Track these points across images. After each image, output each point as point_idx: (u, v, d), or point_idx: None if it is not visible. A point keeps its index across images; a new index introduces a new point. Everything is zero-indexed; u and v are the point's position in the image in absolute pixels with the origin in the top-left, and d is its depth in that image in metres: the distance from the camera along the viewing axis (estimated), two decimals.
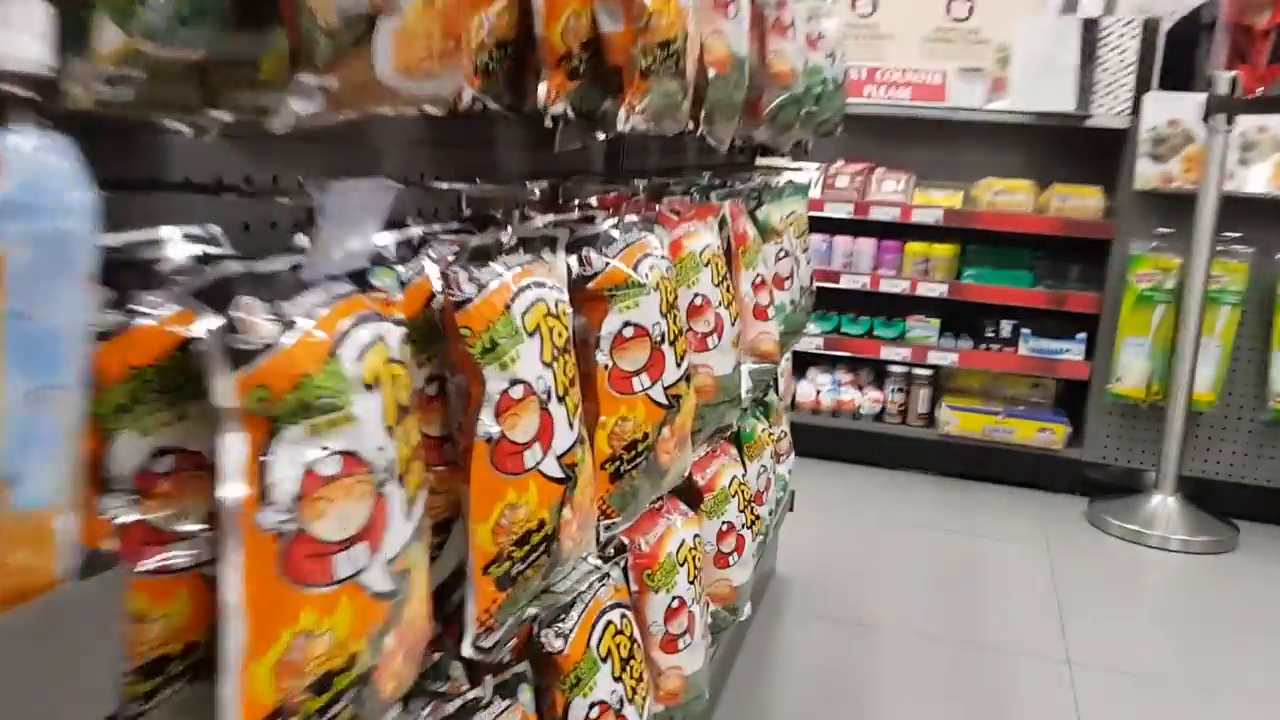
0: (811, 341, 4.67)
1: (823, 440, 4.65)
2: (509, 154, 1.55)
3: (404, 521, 0.83)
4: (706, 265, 1.66)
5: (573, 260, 1.24)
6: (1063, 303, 4.43)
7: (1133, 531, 4.01)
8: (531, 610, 1.07)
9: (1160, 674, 2.96)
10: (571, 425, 1.08)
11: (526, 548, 1.01)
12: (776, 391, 2.87)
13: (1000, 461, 4.50)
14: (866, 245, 4.67)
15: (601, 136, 1.40)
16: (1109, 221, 4.35)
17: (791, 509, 3.32)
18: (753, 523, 2.10)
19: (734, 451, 2.14)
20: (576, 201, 1.62)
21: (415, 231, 1.07)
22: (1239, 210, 4.05)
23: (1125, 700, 2.81)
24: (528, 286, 1.06)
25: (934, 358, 4.59)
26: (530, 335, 1.02)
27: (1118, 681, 2.90)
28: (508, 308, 1.00)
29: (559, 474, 1.05)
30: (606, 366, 1.26)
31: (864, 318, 4.72)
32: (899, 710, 2.67)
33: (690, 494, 1.93)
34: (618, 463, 1.27)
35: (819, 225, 4.68)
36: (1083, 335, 4.44)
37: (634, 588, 1.57)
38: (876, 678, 2.82)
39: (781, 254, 2.37)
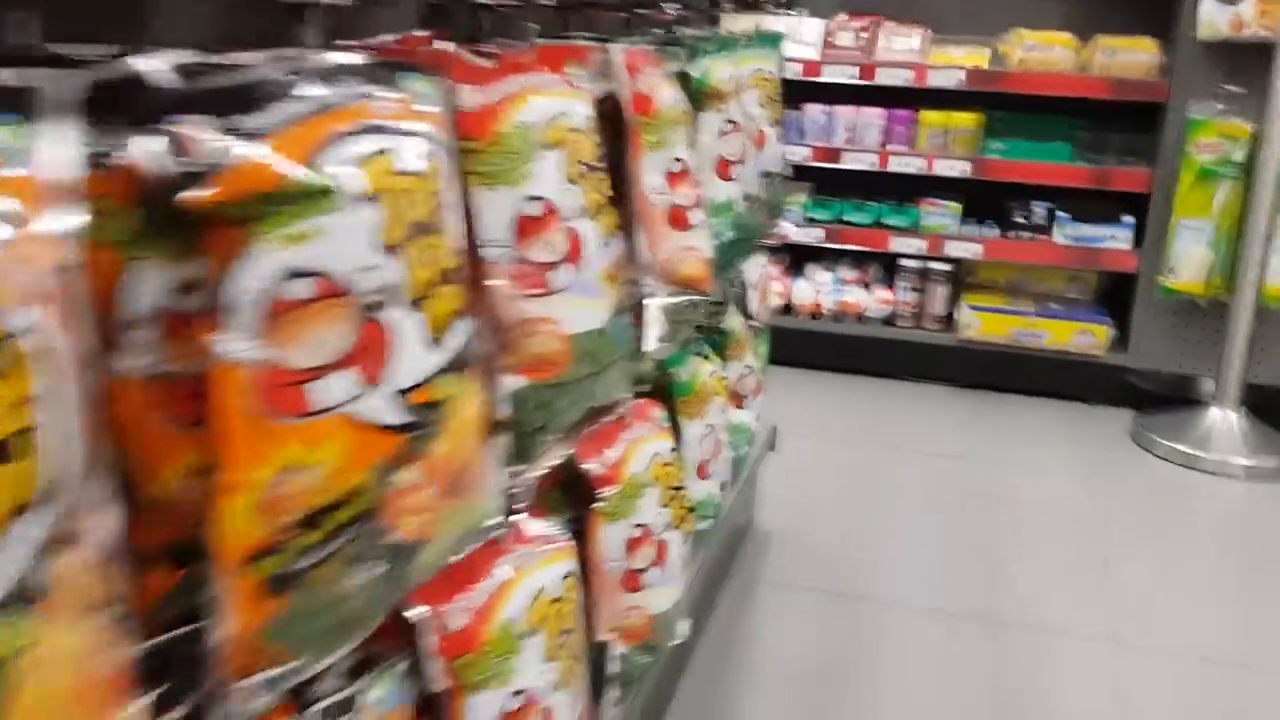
0: (810, 233, 3.97)
1: (824, 348, 4.00)
2: None
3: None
4: (553, 148, 0.99)
5: (153, 145, 0.59)
6: (1107, 180, 3.71)
7: (1185, 454, 3.37)
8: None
9: (1223, 649, 2.35)
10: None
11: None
12: (745, 311, 2.22)
13: (1031, 370, 3.84)
14: (874, 116, 3.93)
15: None
16: (1164, 80, 3.59)
17: (773, 448, 2.69)
18: (682, 520, 1.47)
19: (657, 416, 1.50)
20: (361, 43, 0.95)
21: None
22: None
23: (1180, 684, 2.21)
24: None
25: (953, 249, 3.89)
26: None
27: (1169, 662, 2.29)
28: None
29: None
30: (242, 365, 0.62)
31: (871, 204, 4.01)
32: (900, 709, 2.09)
33: (580, 493, 1.31)
34: (279, 558, 0.64)
35: (817, 93, 3.94)
36: (1131, 219, 3.72)
37: (445, 681, 0.96)
38: (873, 665, 2.23)
39: (728, 127, 1.68)
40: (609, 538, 1.32)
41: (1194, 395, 3.65)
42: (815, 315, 4.04)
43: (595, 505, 1.28)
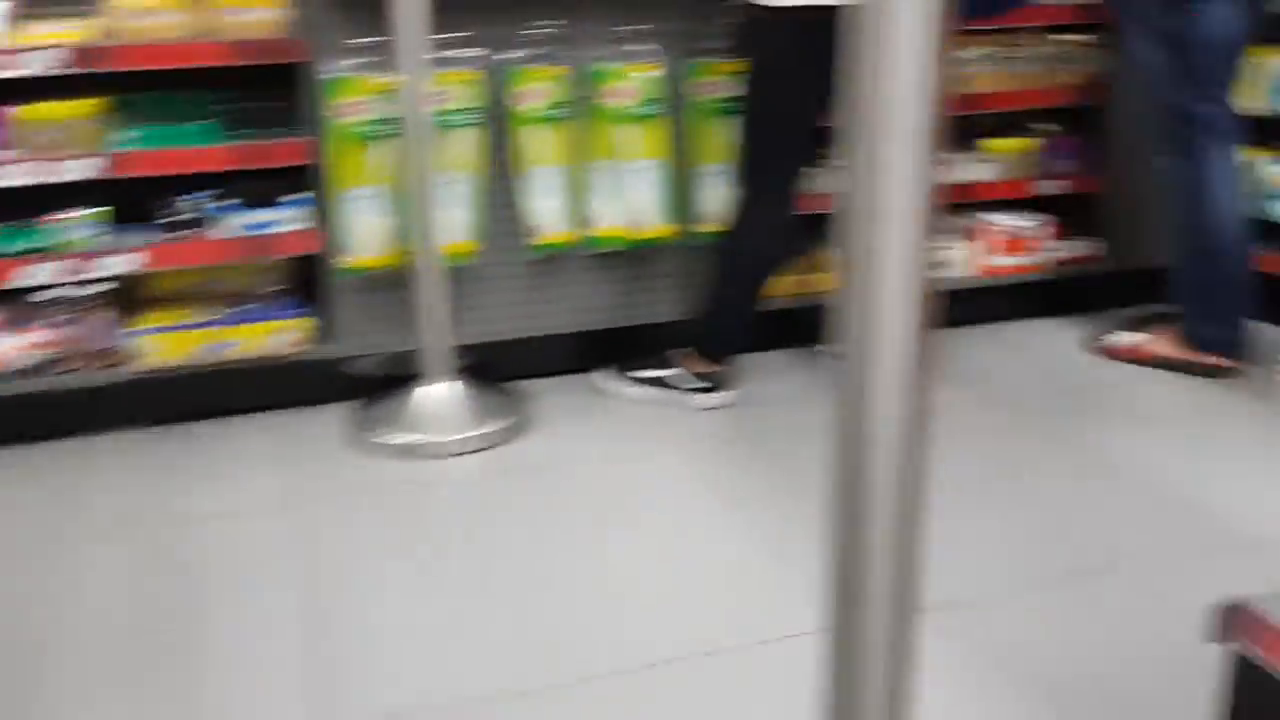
0: None
1: None
2: None
3: None
4: None
5: None
6: (265, 157, 3.24)
7: (409, 445, 3.09)
8: None
9: (519, 675, 2.05)
10: None
11: None
12: None
13: (232, 387, 3.30)
14: None
15: None
16: (295, 38, 3.19)
17: None
18: None
19: None
20: None
21: None
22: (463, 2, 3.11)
23: None
24: None
25: (107, 266, 3.17)
26: None
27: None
28: None
29: None
30: None
31: None
32: None
33: None
34: None
35: None
36: (305, 196, 3.31)
37: None
38: None
39: None
40: None
41: (415, 373, 3.38)
42: None
43: None
